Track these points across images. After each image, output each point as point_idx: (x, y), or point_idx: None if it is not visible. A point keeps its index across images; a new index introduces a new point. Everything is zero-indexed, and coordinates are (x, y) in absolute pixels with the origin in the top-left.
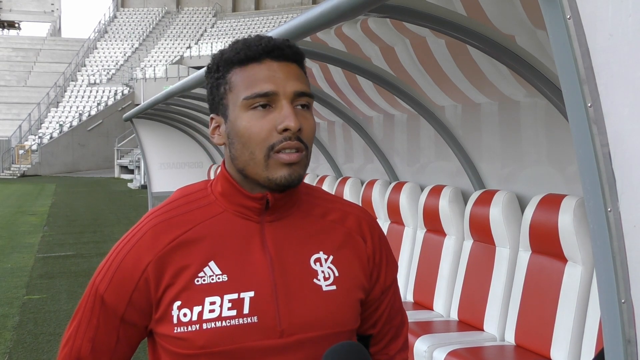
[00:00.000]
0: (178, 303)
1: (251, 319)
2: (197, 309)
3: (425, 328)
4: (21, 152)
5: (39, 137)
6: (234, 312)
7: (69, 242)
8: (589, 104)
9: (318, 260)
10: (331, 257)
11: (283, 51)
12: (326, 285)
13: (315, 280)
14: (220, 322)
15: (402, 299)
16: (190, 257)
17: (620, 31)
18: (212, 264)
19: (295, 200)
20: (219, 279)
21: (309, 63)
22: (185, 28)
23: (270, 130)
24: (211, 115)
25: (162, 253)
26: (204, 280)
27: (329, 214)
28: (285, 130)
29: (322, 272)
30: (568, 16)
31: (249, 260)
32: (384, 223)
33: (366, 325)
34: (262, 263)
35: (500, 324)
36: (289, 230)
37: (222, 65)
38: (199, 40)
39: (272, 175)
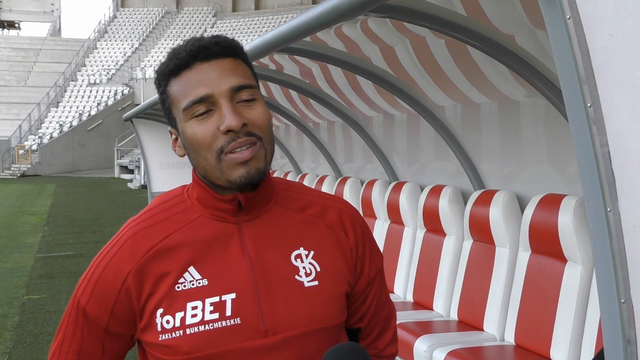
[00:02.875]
0: (161, 310)
1: (234, 321)
2: (179, 315)
3: (425, 328)
4: (21, 152)
5: (39, 137)
6: (216, 315)
7: (69, 242)
8: (589, 104)
9: (299, 256)
10: (312, 253)
11: (210, 50)
12: (308, 281)
13: (296, 276)
14: (203, 326)
15: (402, 299)
16: (170, 264)
17: (620, 31)
18: (191, 269)
19: (271, 196)
20: (199, 283)
21: (308, 63)
22: (185, 28)
23: (214, 133)
24: (169, 129)
25: (141, 262)
26: (184, 286)
27: (308, 208)
28: (229, 131)
29: (304, 268)
30: (568, 16)
31: (229, 262)
32: (384, 223)
33: (353, 319)
34: (242, 264)
35: (500, 324)
36: (268, 227)
37: (161, 80)
38: None
39: (230, 177)
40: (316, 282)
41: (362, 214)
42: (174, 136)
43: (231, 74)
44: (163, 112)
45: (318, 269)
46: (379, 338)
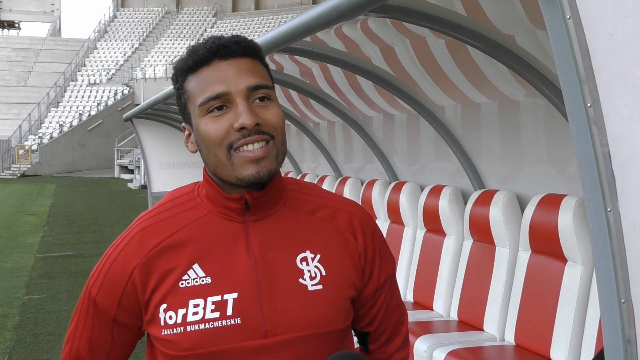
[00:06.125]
0: (164, 306)
1: (235, 321)
2: (181, 312)
3: (425, 328)
4: (21, 152)
5: (39, 137)
6: (217, 314)
7: (69, 242)
8: (589, 104)
9: (304, 259)
10: (318, 256)
11: (229, 48)
12: (312, 285)
13: (300, 279)
14: (203, 324)
15: (402, 299)
16: (176, 261)
17: (620, 31)
18: (196, 266)
19: (280, 197)
20: (202, 281)
21: (308, 63)
22: (185, 28)
23: (227, 130)
24: (183, 125)
25: (148, 257)
26: (188, 283)
27: (318, 211)
28: (242, 128)
29: (308, 271)
30: (568, 16)
31: (233, 262)
32: (383, 223)
33: (362, 323)
34: (246, 264)
35: (500, 324)
36: (275, 229)
37: (178, 75)
38: (199, 40)
39: (240, 174)
40: (320, 286)
41: None
42: (187, 132)
43: (249, 74)
44: (178, 107)
45: (323, 273)
46: (388, 343)
